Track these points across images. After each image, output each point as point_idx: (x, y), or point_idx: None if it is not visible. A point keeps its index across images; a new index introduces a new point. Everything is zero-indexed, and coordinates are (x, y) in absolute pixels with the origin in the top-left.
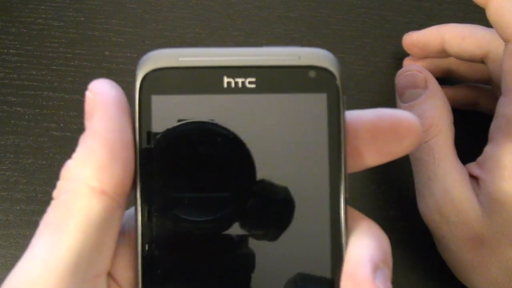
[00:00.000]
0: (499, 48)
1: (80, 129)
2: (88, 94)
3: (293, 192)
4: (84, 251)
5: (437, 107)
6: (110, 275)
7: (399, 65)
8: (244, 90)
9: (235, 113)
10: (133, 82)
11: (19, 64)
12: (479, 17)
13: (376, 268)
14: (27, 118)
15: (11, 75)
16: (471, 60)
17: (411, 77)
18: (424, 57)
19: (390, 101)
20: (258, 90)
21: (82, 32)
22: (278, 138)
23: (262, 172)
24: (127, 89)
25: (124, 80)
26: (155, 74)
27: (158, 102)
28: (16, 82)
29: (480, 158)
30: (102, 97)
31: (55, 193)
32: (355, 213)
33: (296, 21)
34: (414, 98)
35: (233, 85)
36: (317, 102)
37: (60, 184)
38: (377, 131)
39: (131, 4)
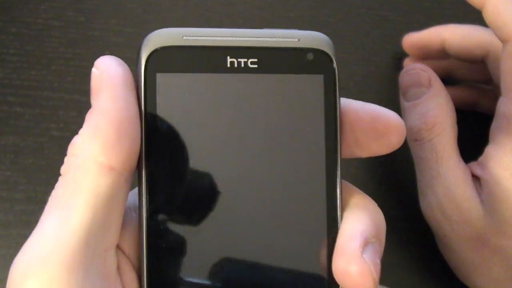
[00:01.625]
0: (499, 48)
1: (80, 129)
2: (94, 71)
3: (291, 167)
4: (93, 226)
5: (441, 106)
6: (118, 247)
7: (399, 65)
8: (246, 70)
9: (237, 91)
10: (137, 60)
11: (19, 64)
12: (479, 17)
13: (366, 243)
14: (27, 118)
15: (11, 75)
16: (471, 60)
17: (415, 76)
18: (425, 57)
19: (390, 101)
20: (259, 70)
21: (82, 32)
22: (277, 116)
23: (262, 147)
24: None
25: None
26: (160, 53)
27: (163, 80)
28: (16, 82)
29: (481, 158)
30: (108, 74)
31: (63, 169)
32: (351, 187)
33: (296, 21)
34: (418, 97)
35: (236, 64)
36: (315, 82)
37: (67, 160)
38: (357, 122)
39: (131, 4)
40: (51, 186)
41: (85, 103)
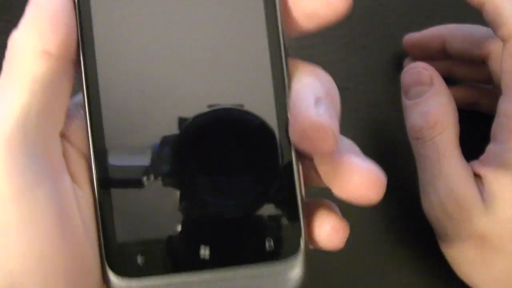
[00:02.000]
0: (499, 47)
1: None
2: None
3: (233, 44)
4: (31, 109)
5: (443, 105)
6: (66, 138)
7: (399, 65)
8: None
9: None
10: None
11: None
12: (479, 17)
13: (318, 101)
14: None
15: None
16: (472, 60)
17: (417, 75)
18: (425, 57)
19: (390, 101)
20: None
21: None
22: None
23: (200, 26)
24: None
25: None
26: None
27: None
28: None
29: (483, 157)
30: None
31: (3, 63)
32: (298, 61)
33: None
34: (420, 95)
35: None
36: None
37: (7, 53)
38: None
39: None
40: None
41: None
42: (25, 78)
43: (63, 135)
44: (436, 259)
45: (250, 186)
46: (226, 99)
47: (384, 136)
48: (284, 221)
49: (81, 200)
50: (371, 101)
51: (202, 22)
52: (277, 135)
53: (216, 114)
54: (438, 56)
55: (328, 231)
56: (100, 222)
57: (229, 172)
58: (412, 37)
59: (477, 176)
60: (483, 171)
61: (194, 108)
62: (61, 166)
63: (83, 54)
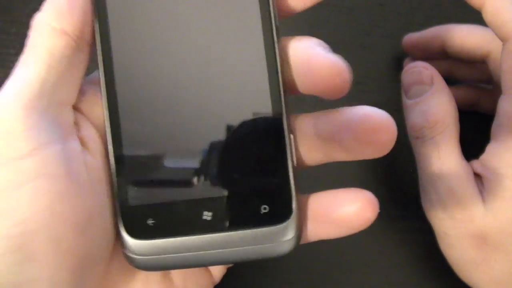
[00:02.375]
0: (499, 47)
1: None
2: None
3: (229, 37)
4: (48, 80)
5: (443, 104)
6: (78, 109)
7: (399, 65)
8: None
9: None
10: None
11: None
12: (479, 17)
13: (325, 48)
14: None
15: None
16: (472, 60)
17: (417, 74)
18: (425, 58)
19: (390, 101)
20: None
21: None
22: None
23: (201, 21)
24: None
25: None
26: None
27: None
28: None
29: (483, 156)
30: None
31: (27, 41)
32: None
33: (296, 21)
34: (420, 95)
35: None
36: None
37: (29, 32)
38: None
39: None
40: None
41: None
42: (44, 52)
43: (76, 107)
44: (436, 259)
45: (247, 158)
46: (220, 70)
47: None
48: (277, 188)
49: (89, 164)
50: (371, 101)
51: (205, 16)
52: (270, 105)
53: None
54: (437, 56)
55: (359, 206)
56: (115, 186)
57: (228, 145)
58: (411, 37)
59: (477, 176)
60: (483, 170)
61: (198, 86)
62: (71, 132)
63: (100, 35)
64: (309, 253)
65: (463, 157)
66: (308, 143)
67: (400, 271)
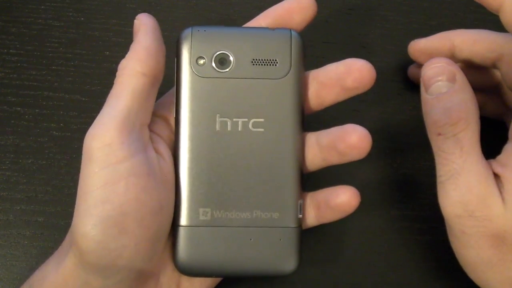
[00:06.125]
0: None
1: (80, 129)
2: (135, 21)
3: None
4: (133, 108)
5: (466, 101)
6: (152, 130)
7: (399, 65)
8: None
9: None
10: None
11: (19, 64)
12: (479, 17)
13: None
14: (27, 118)
15: (11, 75)
16: (483, 64)
17: (440, 69)
18: None
19: (390, 101)
20: None
21: (82, 32)
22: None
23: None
24: None
25: None
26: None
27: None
28: (16, 82)
29: (500, 156)
30: (145, 21)
31: (115, 80)
32: None
33: None
34: (441, 91)
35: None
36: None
37: (117, 74)
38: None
39: (131, 4)
40: (51, 186)
41: (85, 103)
42: (129, 89)
43: (150, 127)
44: (435, 260)
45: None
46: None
47: (384, 136)
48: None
49: (163, 167)
50: (371, 100)
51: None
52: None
53: None
54: None
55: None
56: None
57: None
58: (418, 43)
59: (495, 176)
60: (501, 170)
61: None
62: (149, 144)
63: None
64: (309, 252)
65: (483, 156)
66: (312, 151)
67: (401, 271)
